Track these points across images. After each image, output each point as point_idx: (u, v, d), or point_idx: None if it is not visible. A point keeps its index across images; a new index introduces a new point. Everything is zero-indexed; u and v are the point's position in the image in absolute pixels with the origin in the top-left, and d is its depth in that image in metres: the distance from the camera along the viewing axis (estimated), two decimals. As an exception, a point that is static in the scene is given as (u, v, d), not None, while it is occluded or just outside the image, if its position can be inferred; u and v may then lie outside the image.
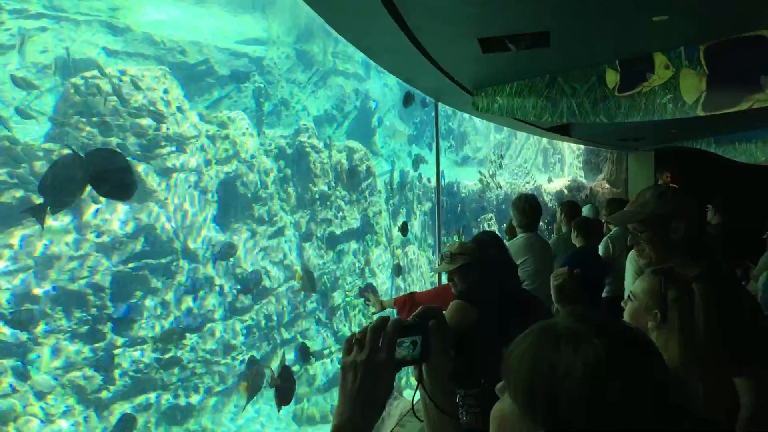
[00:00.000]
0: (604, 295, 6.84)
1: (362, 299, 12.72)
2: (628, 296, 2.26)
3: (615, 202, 7.78)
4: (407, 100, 11.30)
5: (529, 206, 6.03)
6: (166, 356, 9.53)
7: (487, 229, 13.93)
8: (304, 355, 9.25)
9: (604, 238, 7.05)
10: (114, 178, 4.43)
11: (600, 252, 6.93)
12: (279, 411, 9.01)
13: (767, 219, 8.21)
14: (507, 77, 7.24)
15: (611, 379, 1.03)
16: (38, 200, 5.08)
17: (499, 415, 1.19)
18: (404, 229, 13.44)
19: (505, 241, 6.01)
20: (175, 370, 9.64)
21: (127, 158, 4.64)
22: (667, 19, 4.98)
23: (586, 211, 9.44)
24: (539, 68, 6.85)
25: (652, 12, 4.83)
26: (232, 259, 10.81)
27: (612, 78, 6.37)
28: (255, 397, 9.64)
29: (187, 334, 9.83)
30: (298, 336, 11.69)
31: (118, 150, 4.74)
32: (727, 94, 5.54)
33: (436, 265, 4.54)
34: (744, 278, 6.99)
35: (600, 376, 1.03)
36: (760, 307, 2.58)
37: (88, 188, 4.59)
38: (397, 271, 14.19)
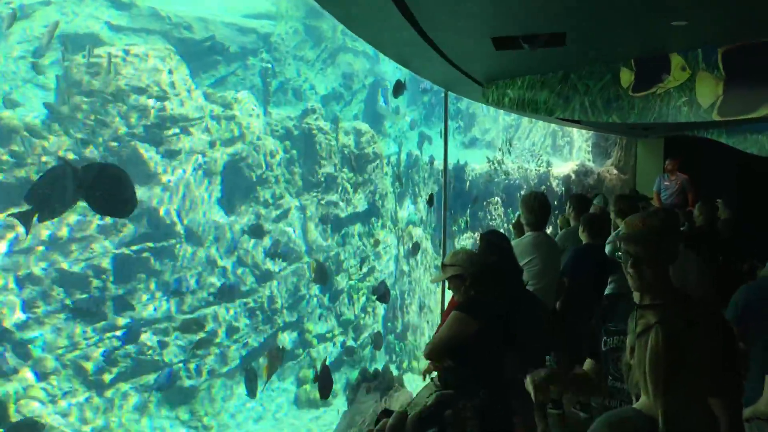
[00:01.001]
0: (607, 292, 6.75)
1: (367, 284, 12.82)
2: None
3: (624, 199, 7.62)
4: (397, 89, 10.43)
5: (538, 204, 5.84)
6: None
7: (493, 228, 13.78)
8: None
9: (612, 235, 6.93)
10: (111, 196, 4.32)
11: (606, 249, 6.81)
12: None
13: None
14: (519, 71, 7.08)
15: None
16: (26, 207, 4.93)
17: None
18: (431, 201, 13.40)
19: (511, 238, 5.94)
20: (177, 352, 9.70)
21: (127, 174, 4.51)
22: (687, 24, 4.83)
23: (597, 201, 9.36)
24: (552, 64, 6.69)
25: (672, 17, 4.68)
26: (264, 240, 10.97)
27: (627, 77, 6.21)
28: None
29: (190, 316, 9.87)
30: (304, 320, 11.72)
31: (117, 165, 4.63)
32: (744, 99, 5.39)
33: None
34: (750, 276, 6.90)
35: None
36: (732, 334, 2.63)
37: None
38: (414, 249, 14.18)
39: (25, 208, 5.08)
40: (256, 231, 11.03)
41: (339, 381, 11.91)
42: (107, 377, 8.82)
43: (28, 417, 7.83)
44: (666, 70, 5.86)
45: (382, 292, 11.10)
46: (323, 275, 11.21)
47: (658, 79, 5.93)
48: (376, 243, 13.77)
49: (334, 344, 12.29)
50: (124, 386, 9.01)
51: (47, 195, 4.44)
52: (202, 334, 9.87)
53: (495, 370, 3.68)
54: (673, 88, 5.81)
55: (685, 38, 5.45)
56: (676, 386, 2.19)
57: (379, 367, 10.69)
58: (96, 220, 8.92)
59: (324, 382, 8.70)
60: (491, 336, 3.67)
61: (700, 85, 5.60)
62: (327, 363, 9.58)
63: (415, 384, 10.73)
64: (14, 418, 7.63)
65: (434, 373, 7.89)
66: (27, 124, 9.08)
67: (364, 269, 13.19)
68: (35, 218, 4.78)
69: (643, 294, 2.70)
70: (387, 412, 1.19)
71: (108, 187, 4.32)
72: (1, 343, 8.01)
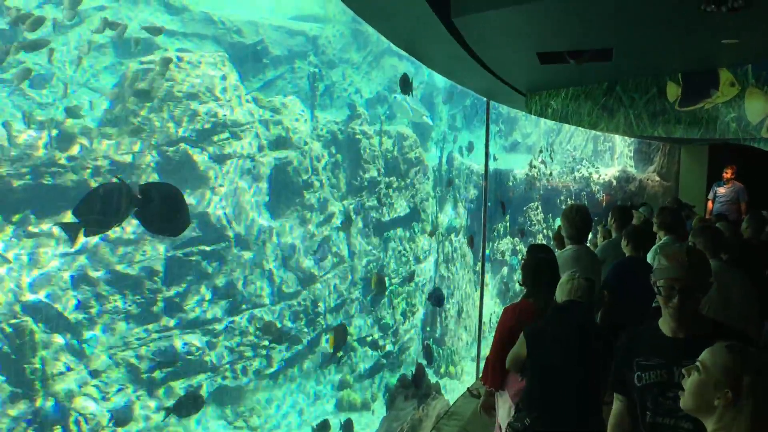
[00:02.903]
0: (656, 304, 6.71)
1: (406, 287, 12.96)
2: (696, 366, 2.20)
3: (667, 211, 7.60)
4: (405, 85, 9.40)
5: (579, 218, 5.89)
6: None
7: (540, 243, 13.82)
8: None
9: (654, 247, 6.91)
10: (165, 217, 4.35)
11: (649, 260, 6.80)
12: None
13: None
14: (563, 82, 7.13)
15: None
16: (73, 219, 4.85)
17: None
18: (504, 208, 13.49)
19: (553, 249, 5.98)
20: (225, 353, 9.96)
21: (181, 193, 4.53)
22: (737, 42, 4.85)
23: (643, 210, 9.39)
24: (597, 76, 6.72)
25: (723, 36, 4.71)
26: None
27: (673, 91, 6.22)
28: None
29: (236, 318, 10.14)
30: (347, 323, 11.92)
31: (171, 184, 4.63)
32: (794, 116, 5.38)
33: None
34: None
35: None
36: None
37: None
38: (470, 242, 14.32)
39: (72, 220, 5.02)
40: (347, 223, 11.70)
41: (378, 386, 12.08)
42: (158, 376, 9.11)
43: (191, 391, 8.22)
44: (714, 85, 5.86)
45: (437, 297, 11.79)
46: (383, 286, 11.56)
47: (706, 93, 5.94)
48: (432, 233, 13.96)
49: (374, 348, 12.42)
50: (173, 385, 9.27)
51: (97, 210, 4.45)
52: (252, 337, 10.23)
53: (547, 395, 3.78)
54: (722, 104, 5.81)
55: (735, 54, 5.46)
56: None
57: (417, 373, 10.84)
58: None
59: (418, 377, 10.14)
60: (541, 362, 3.79)
61: (750, 101, 5.60)
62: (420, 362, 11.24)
63: (453, 390, 10.81)
64: (68, 414, 7.98)
65: (471, 384, 7.97)
66: (83, 127, 9.39)
67: (405, 273, 13.30)
68: (82, 232, 4.78)
69: (681, 326, 2.76)
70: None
71: (161, 208, 4.35)
72: (59, 333, 8.32)
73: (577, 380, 3.69)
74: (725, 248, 5.36)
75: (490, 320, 14.32)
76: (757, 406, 2.03)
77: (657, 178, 19.30)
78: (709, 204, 12.10)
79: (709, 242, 5.00)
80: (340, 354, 11.07)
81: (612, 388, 2.98)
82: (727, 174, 12.14)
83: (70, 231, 5.17)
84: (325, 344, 11.48)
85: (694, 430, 2.22)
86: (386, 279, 12.15)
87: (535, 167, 16.96)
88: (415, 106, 15.02)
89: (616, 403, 2.94)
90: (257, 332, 10.17)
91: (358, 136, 12.84)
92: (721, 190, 12.09)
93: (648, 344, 2.82)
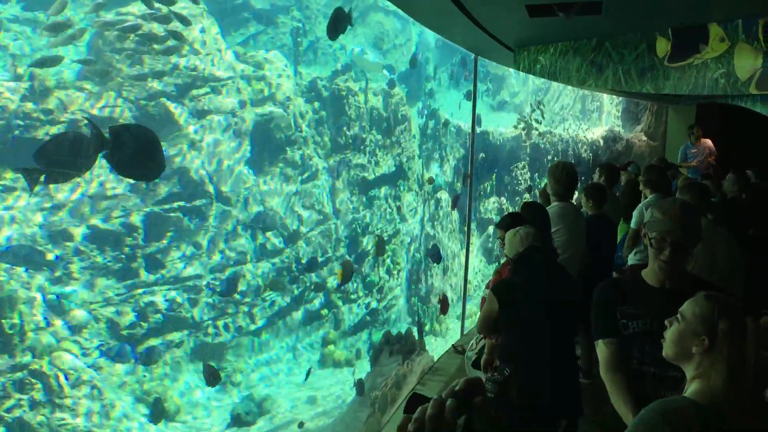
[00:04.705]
0: (634, 262, 6.73)
1: (392, 245, 12.96)
2: (675, 317, 2.25)
3: (653, 169, 7.56)
4: (337, 22, 7.02)
5: (565, 175, 5.82)
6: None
7: (533, 201, 13.83)
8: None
9: (639, 205, 6.89)
10: (138, 160, 4.10)
11: (634, 218, 6.77)
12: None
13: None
14: (552, 37, 7.00)
15: None
16: (34, 165, 4.48)
17: None
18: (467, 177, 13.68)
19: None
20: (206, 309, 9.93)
21: (157, 137, 4.26)
22: (728, -5, 4.73)
23: (631, 169, 9.39)
24: (586, 31, 6.59)
25: (713, -12, 4.59)
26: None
27: (663, 47, 6.10)
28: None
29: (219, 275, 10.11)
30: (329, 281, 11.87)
31: (144, 126, 4.35)
32: (783, 73, 5.29)
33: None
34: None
35: None
36: None
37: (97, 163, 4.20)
38: (454, 202, 14.43)
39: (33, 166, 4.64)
40: (358, 144, 12.02)
41: (363, 342, 12.14)
42: (139, 332, 9.07)
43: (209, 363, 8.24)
44: (704, 41, 5.74)
45: (435, 253, 12.09)
46: (382, 248, 11.96)
47: (696, 49, 5.83)
48: (431, 180, 14.03)
49: (359, 305, 12.44)
50: (154, 342, 9.25)
51: (59, 156, 4.24)
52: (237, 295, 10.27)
53: (522, 347, 3.76)
54: (711, 60, 5.71)
55: (724, 8, 5.35)
56: None
57: (402, 330, 10.86)
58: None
59: (444, 304, 11.02)
60: (514, 315, 3.76)
61: (739, 57, 5.49)
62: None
63: (438, 347, 10.87)
64: (47, 369, 7.92)
65: (455, 339, 7.95)
66: (59, 81, 9.17)
67: (391, 231, 13.28)
68: (42, 178, 4.53)
69: (669, 279, 2.75)
70: (418, 398, 1.15)
71: (134, 151, 4.13)
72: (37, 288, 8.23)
73: (549, 328, 3.68)
74: (711, 207, 5.34)
75: (475, 278, 14.37)
76: (733, 351, 2.06)
77: (644, 138, 19.31)
78: (682, 164, 12.24)
79: (696, 198, 4.97)
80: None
81: (601, 336, 2.90)
82: (699, 132, 12.31)
83: (29, 176, 4.89)
84: (312, 300, 11.53)
85: (680, 379, 2.22)
86: (349, 217, 12.29)
87: (524, 119, 16.91)
88: (374, 58, 14.81)
89: (607, 348, 2.85)
90: (267, 289, 10.20)
91: (343, 93, 12.66)
92: (694, 150, 12.24)
93: (634, 294, 2.83)
